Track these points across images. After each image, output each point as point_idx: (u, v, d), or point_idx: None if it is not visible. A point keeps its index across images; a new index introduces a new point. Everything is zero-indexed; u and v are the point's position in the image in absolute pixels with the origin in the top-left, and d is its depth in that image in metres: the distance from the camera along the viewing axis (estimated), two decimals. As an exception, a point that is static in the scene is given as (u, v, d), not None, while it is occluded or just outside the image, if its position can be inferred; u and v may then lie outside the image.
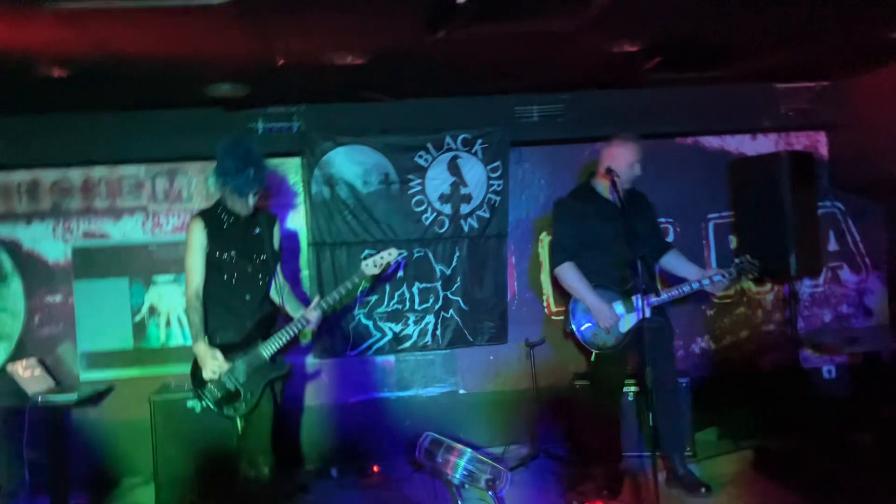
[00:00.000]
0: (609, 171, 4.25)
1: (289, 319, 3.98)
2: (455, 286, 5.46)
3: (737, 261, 4.36)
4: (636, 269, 3.86)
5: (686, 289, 4.35)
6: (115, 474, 5.18)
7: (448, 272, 5.46)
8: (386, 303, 5.42)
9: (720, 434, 5.41)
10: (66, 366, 5.23)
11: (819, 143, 5.89)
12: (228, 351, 3.78)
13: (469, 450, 4.43)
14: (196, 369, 3.80)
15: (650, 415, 3.88)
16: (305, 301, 4.17)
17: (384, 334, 5.44)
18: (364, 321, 5.42)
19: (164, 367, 5.25)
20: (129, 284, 5.30)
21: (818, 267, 5.48)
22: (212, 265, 3.83)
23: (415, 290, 5.44)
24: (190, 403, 4.69)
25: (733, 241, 5.72)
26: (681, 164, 5.74)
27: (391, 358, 5.52)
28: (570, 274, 4.37)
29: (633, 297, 4.19)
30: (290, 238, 5.38)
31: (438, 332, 5.47)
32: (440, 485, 4.56)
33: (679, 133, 5.74)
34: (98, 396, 5.14)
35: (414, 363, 5.55)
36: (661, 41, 4.26)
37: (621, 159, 4.30)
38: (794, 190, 5.09)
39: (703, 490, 4.39)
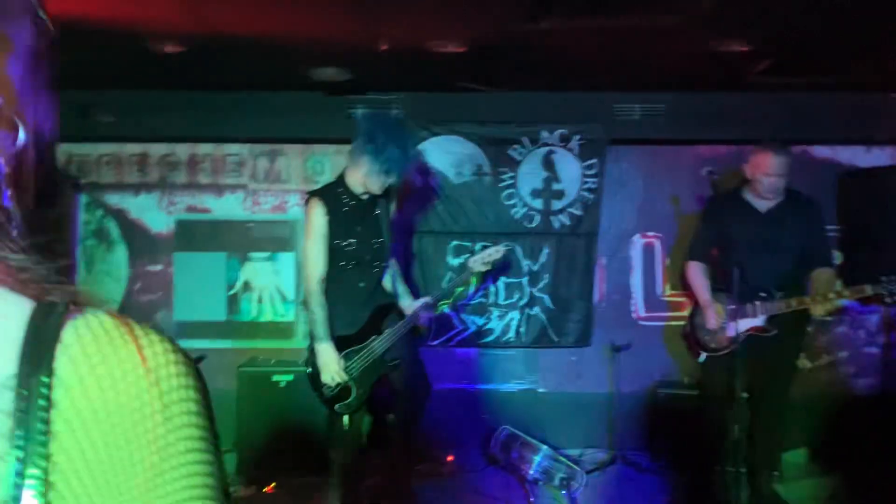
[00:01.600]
0: (749, 178, 4.19)
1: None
2: (541, 283, 5.40)
3: (883, 279, 3.99)
4: (731, 278, 3.75)
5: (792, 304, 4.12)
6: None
7: (535, 268, 5.41)
8: (471, 293, 5.42)
9: (810, 456, 5.17)
10: (163, 333, 5.43)
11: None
12: (341, 344, 3.66)
13: (545, 447, 4.39)
14: (313, 362, 3.68)
15: (735, 427, 3.75)
16: (414, 290, 4.15)
17: (467, 327, 5.44)
18: (448, 312, 5.44)
19: (254, 342, 5.41)
20: (227, 259, 5.48)
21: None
22: (329, 251, 3.67)
23: (500, 284, 5.41)
24: (275, 377, 4.81)
25: (838, 257, 5.45)
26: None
27: (472, 351, 5.52)
28: (692, 272, 4.40)
29: (748, 305, 4.07)
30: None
31: (522, 329, 5.42)
32: (513, 480, 4.53)
33: (786, 141, 5.49)
34: (190, 364, 5.32)
35: (494, 357, 5.53)
36: (773, 42, 4.10)
37: (759, 168, 4.15)
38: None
39: (787, 512, 4.21)
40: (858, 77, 4.77)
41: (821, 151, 5.53)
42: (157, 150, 5.48)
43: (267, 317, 5.49)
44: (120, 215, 5.48)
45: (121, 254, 5.48)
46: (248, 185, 5.52)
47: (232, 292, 5.48)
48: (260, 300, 5.50)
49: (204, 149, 5.50)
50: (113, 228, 5.48)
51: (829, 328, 5.50)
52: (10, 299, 0.58)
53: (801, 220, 4.24)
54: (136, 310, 5.45)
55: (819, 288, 4.10)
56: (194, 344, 5.43)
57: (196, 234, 5.48)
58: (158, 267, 5.49)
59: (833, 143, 5.50)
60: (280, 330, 5.47)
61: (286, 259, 5.48)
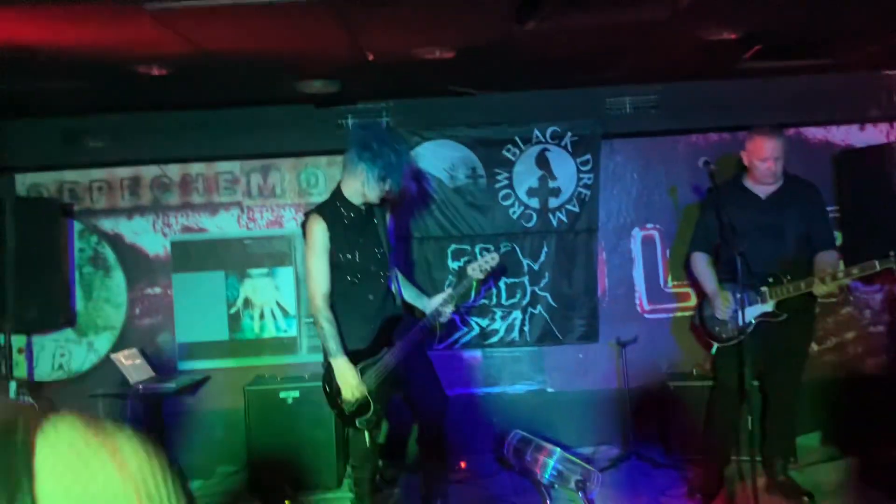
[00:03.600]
0: (747, 165, 4.20)
1: (410, 311, 3.91)
2: (543, 282, 5.37)
3: (892, 254, 3.91)
4: (737, 266, 3.73)
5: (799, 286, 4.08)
6: (211, 462, 5.30)
7: (536, 267, 5.38)
8: (473, 298, 5.40)
9: (823, 439, 5.15)
10: (165, 355, 5.42)
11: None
12: (354, 359, 3.61)
13: (559, 449, 4.36)
14: (330, 380, 3.63)
15: (749, 417, 3.74)
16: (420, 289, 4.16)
17: (471, 329, 5.41)
18: (451, 315, 5.40)
19: (258, 359, 5.38)
20: (225, 277, 5.44)
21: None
22: (333, 266, 3.64)
23: (501, 284, 5.39)
24: (282, 394, 4.78)
25: (838, 237, 5.43)
26: (781, 156, 5.48)
27: (478, 353, 5.49)
28: (697, 263, 4.41)
29: (756, 291, 4.07)
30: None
31: (526, 328, 5.39)
32: (528, 483, 4.50)
33: (780, 125, 5.47)
34: (195, 385, 5.30)
35: (501, 359, 5.50)
36: (762, 28, 4.06)
37: (756, 153, 4.14)
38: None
39: (805, 499, 4.19)
40: (846, 58, 4.75)
41: (814, 133, 5.51)
42: (149, 172, 5.45)
43: (270, 333, 5.46)
44: (115, 240, 5.45)
45: (118, 279, 5.44)
46: (243, 201, 5.49)
47: (233, 310, 5.45)
48: (261, 316, 5.46)
49: (196, 168, 5.47)
50: (109, 254, 5.44)
51: (833, 310, 5.47)
52: None
53: (801, 204, 4.22)
54: (138, 334, 5.41)
55: (826, 269, 4.05)
56: (198, 365, 5.40)
57: (193, 255, 5.44)
58: (157, 290, 5.45)
59: (826, 124, 5.48)
60: (284, 345, 5.44)
61: (285, 274, 5.44)
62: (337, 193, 3.77)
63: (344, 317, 3.67)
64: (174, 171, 5.46)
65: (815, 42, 4.37)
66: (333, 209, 3.72)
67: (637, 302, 5.52)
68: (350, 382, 3.57)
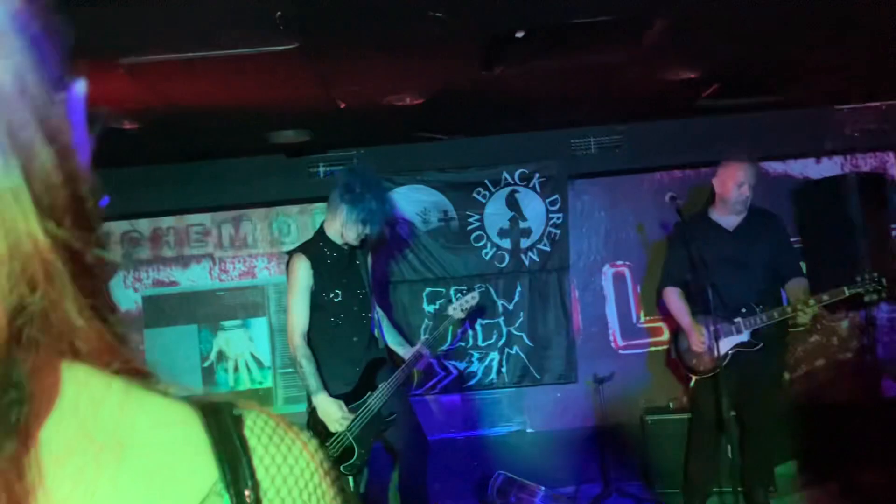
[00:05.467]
0: (714, 198, 4.29)
1: (390, 356, 3.92)
2: (518, 321, 5.41)
3: (858, 279, 4.12)
4: (709, 298, 3.81)
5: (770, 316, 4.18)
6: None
7: (510, 307, 5.42)
8: (449, 340, 5.41)
9: (799, 467, 5.19)
10: (139, 412, 5.29)
11: (889, 164, 5.72)
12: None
13: (543, 488, 4.35)
14: (315, 424, 3.56)
15: (729, 447, 3.78)
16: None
17: (449, 372, 5.41)
18: (429, 359, 5.41)
19: (233, 412, 5.28)
20: (198, 330, 5.39)
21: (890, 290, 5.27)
22: (317, 307, 3.64)
23: (478, 326, 5.41)
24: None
25: (802, 267, 5.55)
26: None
27: (457, 397, 5.48)
28: (669, 298, 4.45)
29: (730, 322, 4.14)
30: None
31: (504, 370, 5.41)
32: (513, 525, 4.47)
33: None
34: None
35: (480, 402, 5.49)
36: (719, 68, 4.23)
37: (727, 182, 4.25)
38: (865, 212, 4.95)
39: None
40: (800, 95, 4.93)
41: (774, 167, 5.68)
42: (119, 227, 5.41)
43: (244, 385, 5.39)
44: (85, 297, 5.35)
45: (90, 336, 5.34)
46: (214, 253, 5.47)
47: (207, 364, 5.38)
48: (236, 369, 5.41)
49: (166, 221, 5.45)
50: (80, 311, 5.34)
51: (803, 339, 5.58)
52: (170, 404, 0.57)
53: (768, 234, 4.34)
54: (110, 392, 5.29)
55: (800, 296, 4.16)
56: (173, 421, 5.28)
57: (165, 309, 5.39)
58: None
59: (784, 158, 5.65)
60: (259, 397, 5.37)
61: (259, 324, 5.41)
62: (320, 233, 3.81)
63: (328, 359, 3.66)
64: (144, 225, 5.43)
65: (770, 80, 4.55)
66: (316, 248, 3.75)
67: (611, 338, 5.58)
68: (334, 416, 3.55)
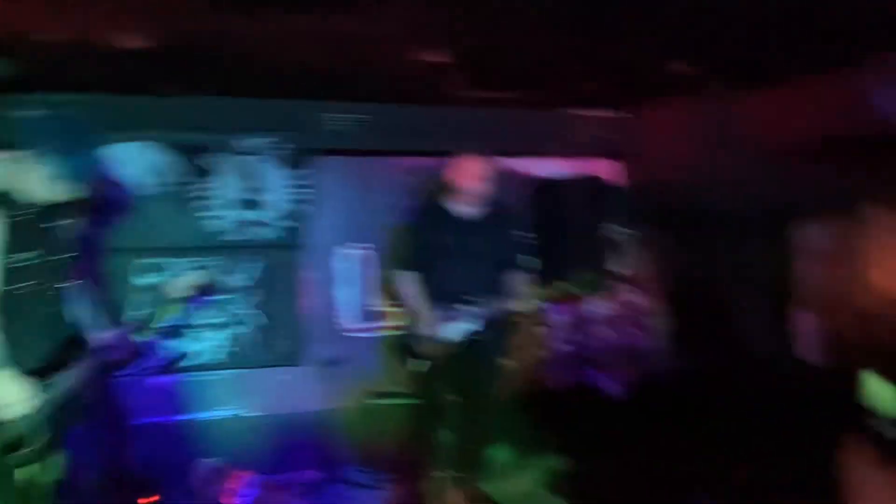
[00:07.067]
0: (452, 187, 4.30)
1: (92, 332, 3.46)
2: (245, 300, 5.13)
3: (571, 279, 4.34)
4: (438, 285, 3.83)
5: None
6: None
7: (237, 285, 5.12)
8: (164, 318, 4.98)
9: (511, 452, 5.43)
10: None
11: (615, 170, 6.14)
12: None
13: (252, 476, 4.16)
14: None
15: (445, 432, 3.85)
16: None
17: (166, 353, 4.99)
18: (144, 338, 4.94)
19: None
20: None
21: (604, 288, 5.69)
22: (5, 269, 3.15)
23: (197, 303, 5.01)
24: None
25: (535, 263, 5.83)
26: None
27: (170, 379, 5.07)
28: (402, 283, 4.42)
29: (456, 311, 4.20)
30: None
31: (225, 350, 5.12)
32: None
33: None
34: None
35: (196, 385, 5.13)
36: (468, 57, 4.27)
37: (465, 175, 4.28)
38: (582, 213, 5.29)
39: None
40: (542, 95, 5.14)
41: (516, 164, 5.87)
42: None
43: None
44: None
45: None
46: None
47: None
48: None
49: None
50: None
51: (527, 329, 5.84)
52: None
53: (499, 228, 4.48)
54: None
55: (518, 290, 4.32)
56: None
57: None
58: None
59: (526, 155, 5.88)
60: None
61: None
62: (11, 187, 3.26)
63: (14, 332, 3.14)
64: None
65: (516, 77, 4.68)
66: (7, 201, 3.21)
67: (343, 321, 5.48)
68: (15, 393, 3.03)
